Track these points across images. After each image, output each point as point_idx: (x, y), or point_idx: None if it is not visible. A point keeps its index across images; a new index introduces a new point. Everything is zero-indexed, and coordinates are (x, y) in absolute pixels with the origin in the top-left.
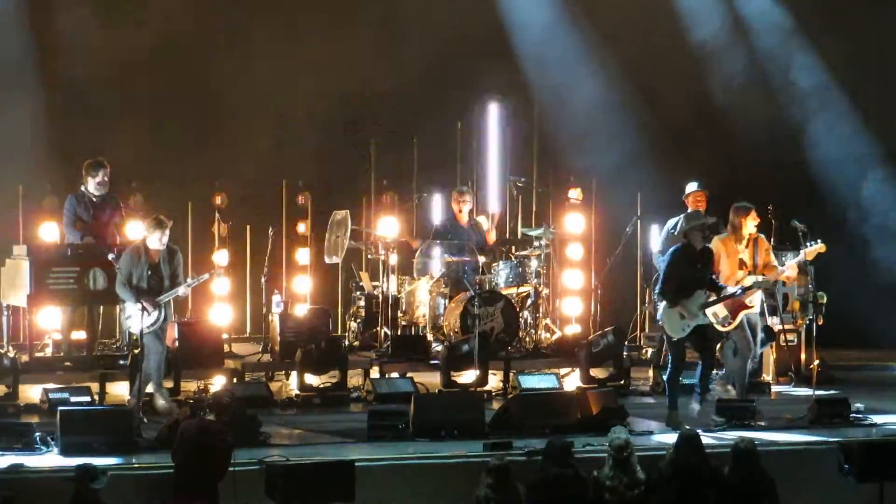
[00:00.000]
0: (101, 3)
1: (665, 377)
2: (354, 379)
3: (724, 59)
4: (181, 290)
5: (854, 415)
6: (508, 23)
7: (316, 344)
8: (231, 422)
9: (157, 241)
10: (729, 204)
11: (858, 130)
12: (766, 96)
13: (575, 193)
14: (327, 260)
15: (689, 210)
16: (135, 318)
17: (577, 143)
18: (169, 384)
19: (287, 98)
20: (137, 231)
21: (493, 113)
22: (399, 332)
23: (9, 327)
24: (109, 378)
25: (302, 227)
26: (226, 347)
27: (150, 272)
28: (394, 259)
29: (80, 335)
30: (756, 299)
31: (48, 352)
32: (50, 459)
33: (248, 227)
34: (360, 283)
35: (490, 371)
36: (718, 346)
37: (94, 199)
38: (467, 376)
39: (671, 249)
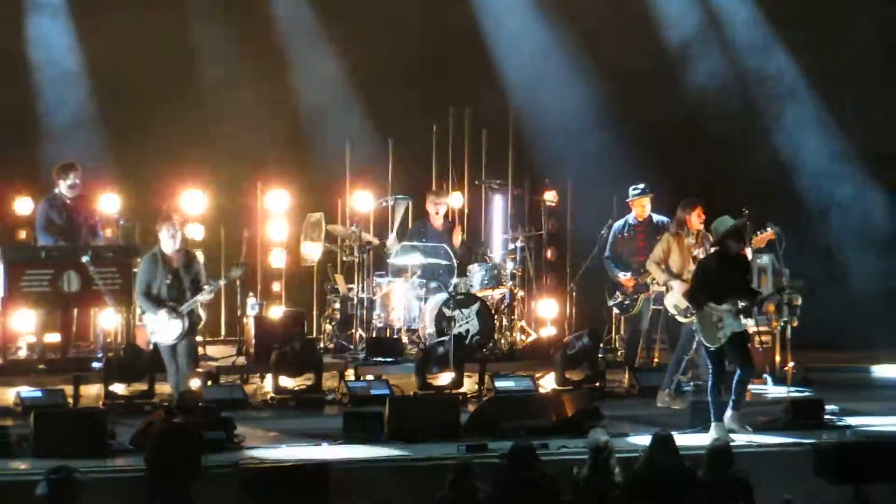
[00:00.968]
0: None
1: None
2: (329, 381)
3: (700, 59)
4: (203, 297)
5: (829, 417)
6: (484, 26)
7: (291, 346)
8: (201, 422)
9: (170, 243)
10: (706, 205)
11: (831, 133)
12: (741, 97)
13: (550, 195)
14: (302, 262)
15: (634, 211)
16: (160, 330)
17: (553, 145)
18: (143, 387)
19: (261, 101)
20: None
21: (469, 115)
22: (374, 335)
23: None
24: (84, 381)
25: (276, 230)
26: (200, 350)
27: (169, 280)
28: (369, 261)
29: (54, 338)
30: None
31: (22, 354)
32: (23, 462)
33: (222, 229)
34: (335, 286)
35: (465, 373)
36: (693, 347)
37: (68, 202)
38: (443, 379)
39: (703, 260)
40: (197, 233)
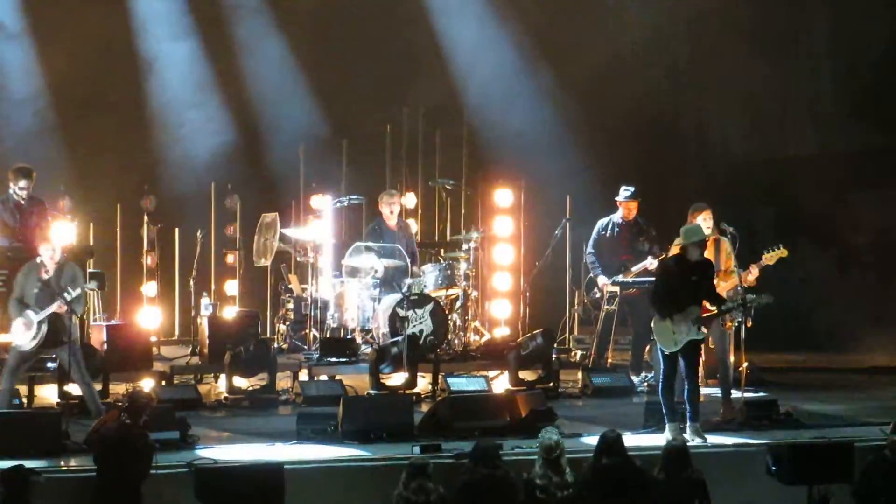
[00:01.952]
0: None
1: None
2: (283, 381)
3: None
4: (55, 307)
5: (782, 417)
6: (439, 26)
7: (245, 346)
8: (150, 422)
9: (47, 255)
10: (660, 206)
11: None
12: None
13: (504, 196)
14: (256, 262)
15: (621, 212)
16: (16, 335)
17: (506, 145)
18: (98, 386)
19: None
20: (63, 234)
21: (423, 116)
22: (328, 335)
23: None
24: (38, 381)
25: (230, 230)
26: (154, 350)
27: (37, 289)
28: (322, 261)
29: (7, 338)
30: None
31: None
32: None
33: (176, 229)
34: (289, 286)
35: (419, 373)
36: (648, 347)
37: (22, 204)
38: (396, 379)
39: (664, 260)
40: (151, 233)
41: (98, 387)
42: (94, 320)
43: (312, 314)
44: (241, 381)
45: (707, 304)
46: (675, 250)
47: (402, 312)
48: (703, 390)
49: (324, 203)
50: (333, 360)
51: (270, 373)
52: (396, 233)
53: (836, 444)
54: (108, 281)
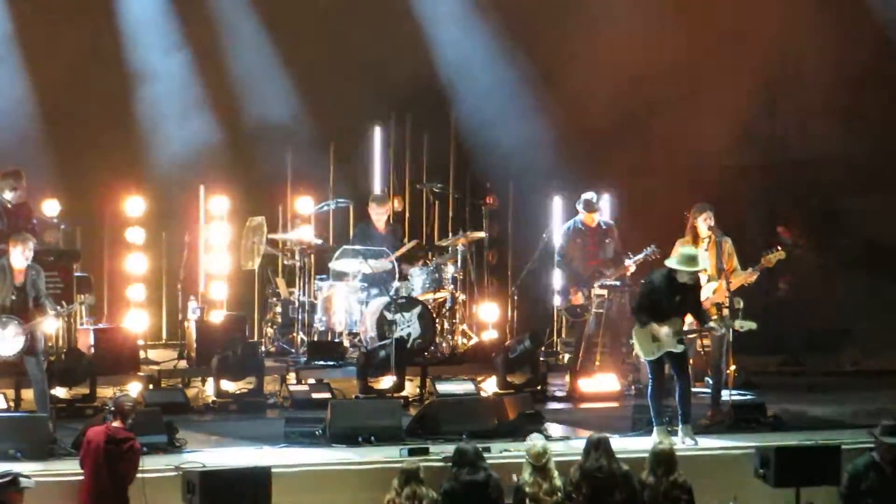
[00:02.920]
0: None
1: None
2: (271, 385)
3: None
4: (48, 319)
5: (770, 419)
6: (424, 28)
7: (232, 350)
8: (137, 426)
9: (20, 259)
10: (646, 209)
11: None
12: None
13: (492, 199)
14: (243, 266)
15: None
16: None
17: (494, 148)
18: (85, 390)
19: (203, 106)
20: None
21: (410, 119)
22: (315, 338)
23: None
24: (25, 384)
25: (218, 234)
26: (142, 354)
27: (14, 295)
28: (310, 265)
29: None
30: None
31: None
32: None
33: (164, 233)
34: (277, 289)
35: (407, 377)
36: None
37: (9, 207)
38: (384, 382)
39: (652, 274)
40: (138, 236)
41: (85, 391)
42: (82, 324)
43: (300, 317)
44: (228, 385)
45: (691, 319)
46: (670, 262)
47: (389, 316)
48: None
49: (310, 206)
50: (321, 363)
51: (258, 376)
52: (385, 236)
53: (823, 447)
54: (95, 284)
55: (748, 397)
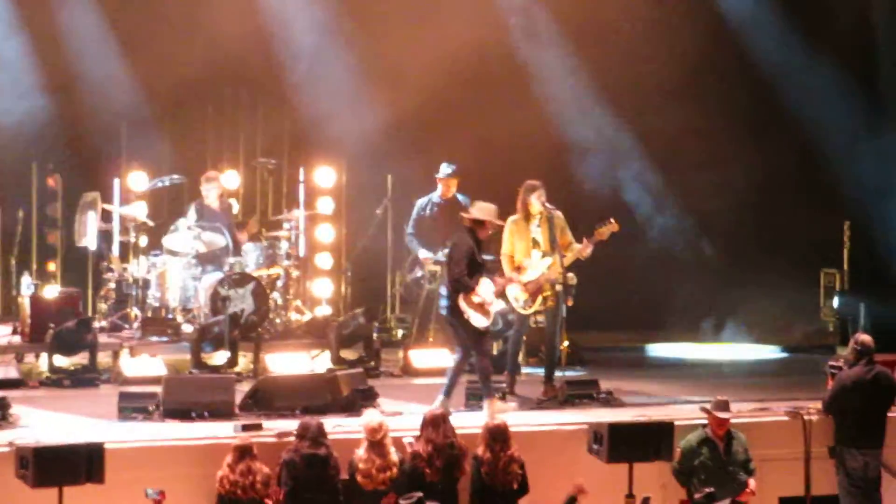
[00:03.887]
0: None
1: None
2: (105, 360)
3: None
4: None
5: (603, 395)
6: (266, 5)
7: (66, 325)
8: None
9: None
10: (481, 186)
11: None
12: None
13: (325, 175)
14: (77, 242)
15: (440, 189)
16: None
17: (328, 124)
18: None
19: (36, 82)
20: None
21: (245, 96)
22: (149, 314)
23: None
24: None
25: (52, 210)
26: None
27: None
28: (144, 241)
29: None
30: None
31: None
32: None
33: None
34: (111, 265)
35: (240, 352)
36: None
37: None
38: (217, 358)
39: (457, 236)
40: None
41: None
42: None
43: (134, 293)
44: (62, 360)
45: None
46: (470, 221)
47: (223, 292)
48: (524, 369)
49: (144, 182)
50: (155, 339)
51: (92, 352)
52: (218, 213)
53: (655, 423)
54: None
55: (580, 373)
